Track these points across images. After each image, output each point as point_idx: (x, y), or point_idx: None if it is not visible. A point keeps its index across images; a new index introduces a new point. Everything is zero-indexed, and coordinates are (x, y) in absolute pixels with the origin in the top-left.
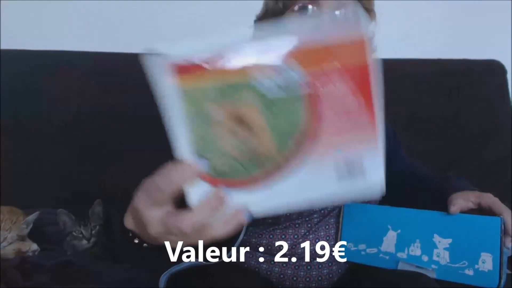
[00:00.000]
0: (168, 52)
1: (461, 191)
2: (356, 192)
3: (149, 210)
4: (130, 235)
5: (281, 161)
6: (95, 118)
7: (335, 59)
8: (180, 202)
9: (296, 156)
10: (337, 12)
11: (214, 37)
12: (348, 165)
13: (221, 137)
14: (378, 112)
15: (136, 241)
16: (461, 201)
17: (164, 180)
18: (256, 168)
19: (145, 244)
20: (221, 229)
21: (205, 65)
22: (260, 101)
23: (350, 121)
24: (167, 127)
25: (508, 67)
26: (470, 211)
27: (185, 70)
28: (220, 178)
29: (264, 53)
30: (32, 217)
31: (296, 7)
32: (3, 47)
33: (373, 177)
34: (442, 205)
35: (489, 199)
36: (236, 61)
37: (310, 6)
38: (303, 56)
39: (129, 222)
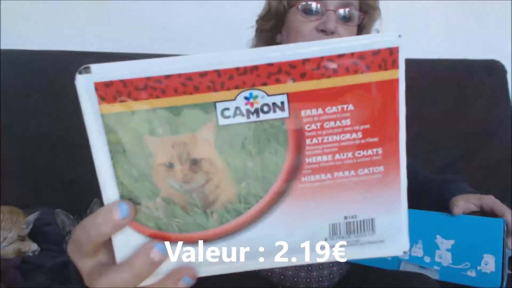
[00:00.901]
0: (100, 70)
1: (462, 193)
2: (364, 253)
3: (79, 260)
4: None
5: (241, 210)
6: None
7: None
8: None
9: (264, 205)
10: (341, 11)
11: (165, 58)
12: (348, 223)
13: (159, 177)
14: (403, 157)
15: None
16: (463, 203)
17: (83, 230)
18: (206, 218)
19: None
20: None
21: (142, 85)
22: (218, 133)
23: (359, 171)
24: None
25: (508, 67)
26: (472, 213)
27: (115, 90)
28: (160, 230)
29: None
30: (32, 217)
31: (300, 6)
32: (3, 47)
33: (391, 240)
34: (441, 208)
35: (491, 201)
36: (188, 81)
37: (314, 4)
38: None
39: None
